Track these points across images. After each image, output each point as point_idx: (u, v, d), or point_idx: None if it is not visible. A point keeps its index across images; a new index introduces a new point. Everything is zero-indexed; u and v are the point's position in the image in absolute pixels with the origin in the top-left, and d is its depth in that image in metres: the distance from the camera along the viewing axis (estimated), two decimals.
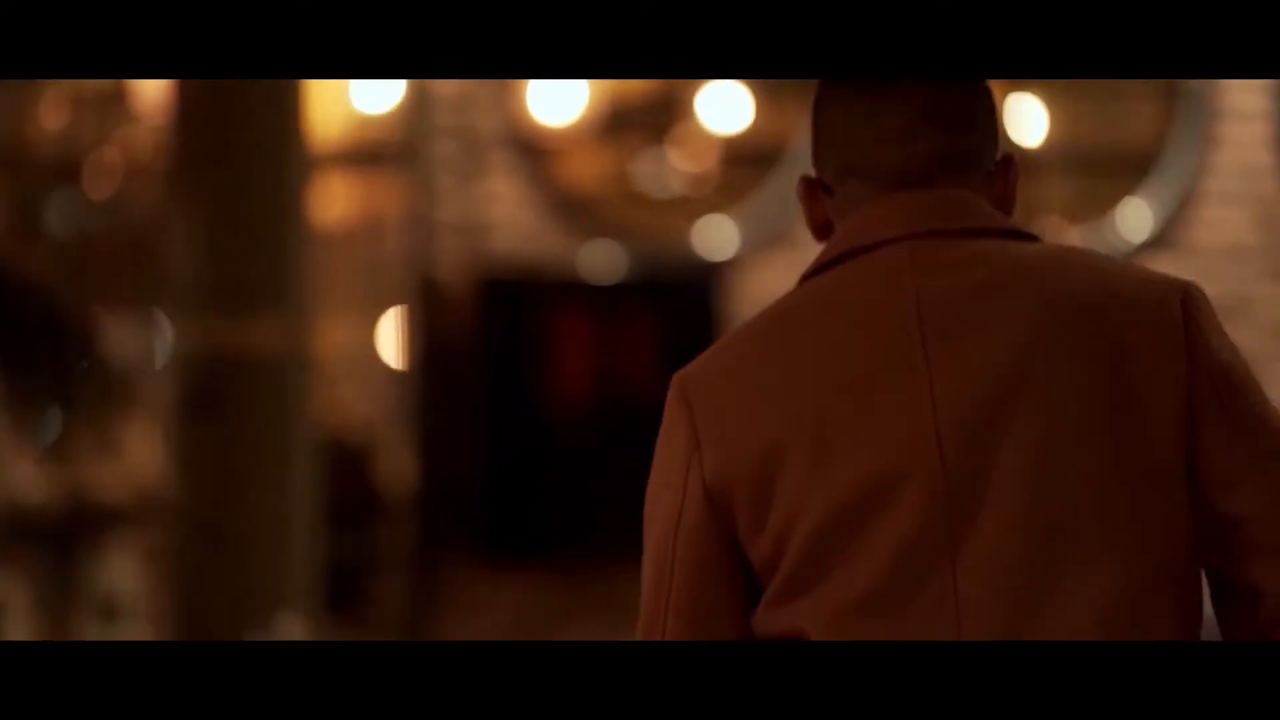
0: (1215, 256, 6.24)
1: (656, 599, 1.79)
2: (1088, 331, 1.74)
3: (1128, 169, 6.54)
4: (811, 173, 1.87)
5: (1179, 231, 6.28)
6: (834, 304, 1.80)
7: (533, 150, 5.61)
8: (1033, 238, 1.83)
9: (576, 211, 5.66)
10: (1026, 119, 6.60)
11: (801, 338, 1.78)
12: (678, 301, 5.69)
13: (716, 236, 5.91)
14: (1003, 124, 1.89)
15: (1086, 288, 1.76)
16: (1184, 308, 1.77)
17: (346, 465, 5.78)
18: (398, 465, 5.94)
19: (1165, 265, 6.01)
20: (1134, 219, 6.31)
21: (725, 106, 6.21)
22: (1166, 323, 1.75)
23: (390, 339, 6.19)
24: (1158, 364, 1.74)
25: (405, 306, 5.63)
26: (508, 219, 5.53)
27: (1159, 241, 6.24)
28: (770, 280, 5.75)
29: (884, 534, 1.72)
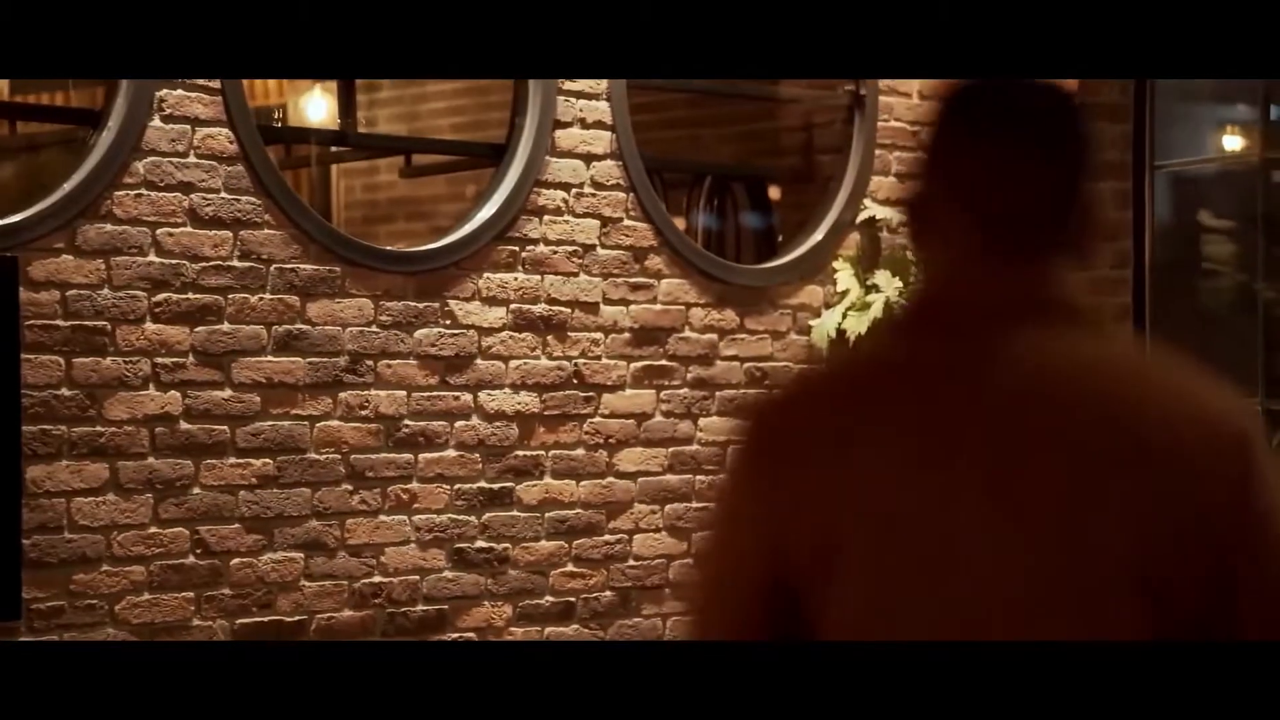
0: (559, 258, 5.76)
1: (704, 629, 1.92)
2: (1136, 454, 1.80)
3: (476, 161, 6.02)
4: (914, 192, 1.95)
5: (520, 229, 5.70)
6: (908, 383, 1.88)
7: None
8: (1093, 320, 1.91)
9: None
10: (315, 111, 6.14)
11: (874, 415, 1.87)
12: None
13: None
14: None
15: (1147, 407, 1.83)
16: (1243, 451, 1.84)
17: None
18: None
19: (509, 267, 5.73)
20: (477, 216, 5.65)
21: None
22: (1222, 465, 1.82)
23: None
24: (1204, 501, 1.81)
25: None
26: None
27: (499, 240, 5.66)
28: (56, 269, 4.91)
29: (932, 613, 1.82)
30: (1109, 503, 1.78)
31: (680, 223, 6.35)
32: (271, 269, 5.23)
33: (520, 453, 5.63)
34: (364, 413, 5.37)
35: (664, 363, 5.93)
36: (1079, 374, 1.83)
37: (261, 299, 5.21)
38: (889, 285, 6.02)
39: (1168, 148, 6.43)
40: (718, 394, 6.01)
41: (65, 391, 4.86)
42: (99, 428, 4.91)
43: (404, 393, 5.45)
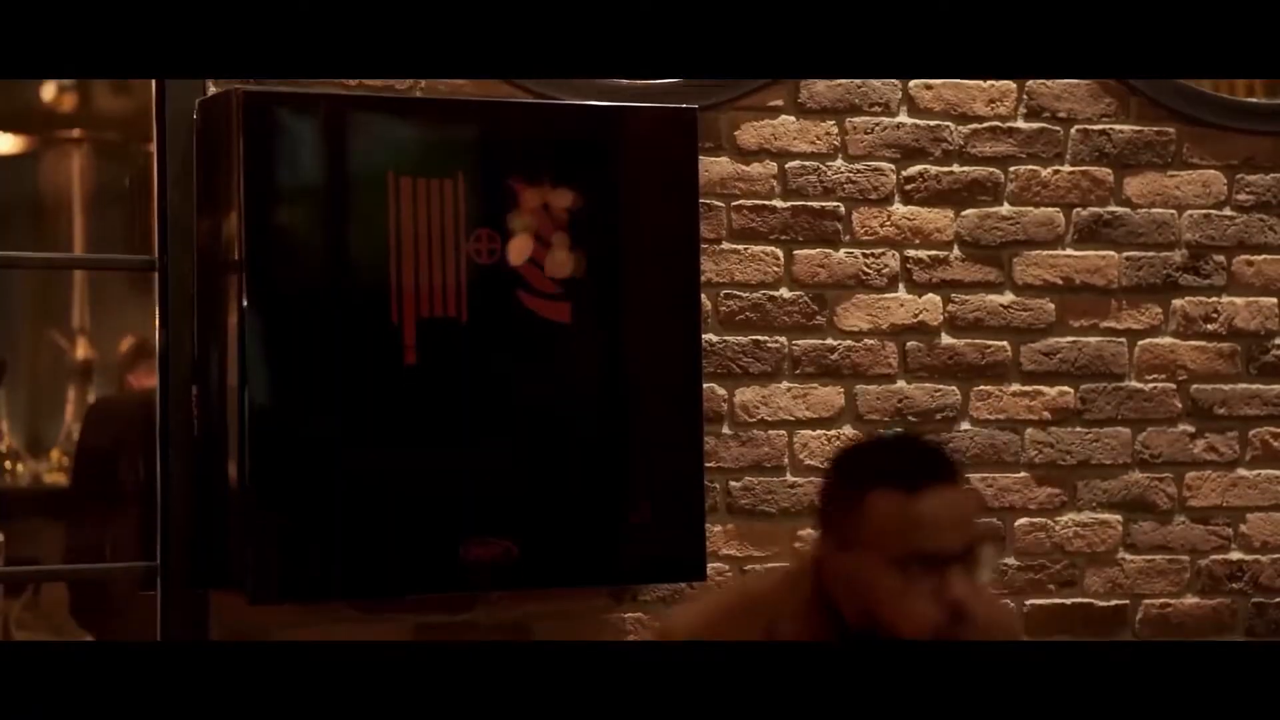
0: None
1: None
2: None
3: None
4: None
5: None
6: None
7: None
8: None
9: None
10: None
11: None
12: None
13: None
14: None
15: None
16: None
17: None
18: None
19: None
20: None
21: None
22: None
23: None
24: None
25: None
26: None
27: None
28: (772, 133, 3.89)
29: None
30: None
31: None
32: (1073, 131, 3.91)
33: None
34: (1210, 327, 3.94)
35: None
36: None
37: (1057, 172, 3.90)
38: None
39: None
40: None
41: (784, 293, 3.79)
42: (830, 340, 3.80)
43: (1273, 301, 3.97)
